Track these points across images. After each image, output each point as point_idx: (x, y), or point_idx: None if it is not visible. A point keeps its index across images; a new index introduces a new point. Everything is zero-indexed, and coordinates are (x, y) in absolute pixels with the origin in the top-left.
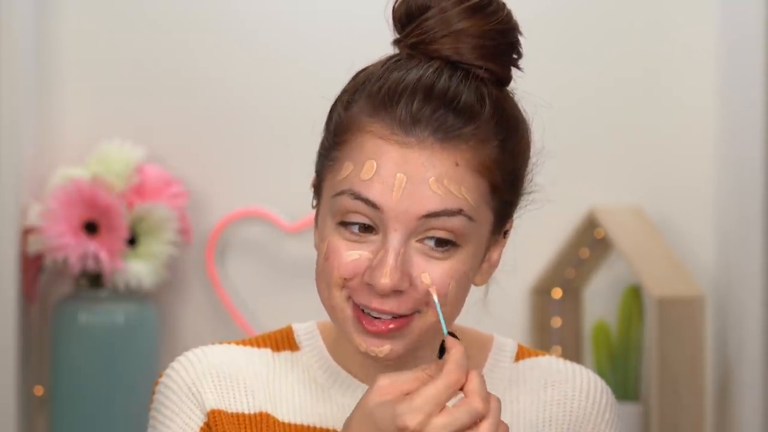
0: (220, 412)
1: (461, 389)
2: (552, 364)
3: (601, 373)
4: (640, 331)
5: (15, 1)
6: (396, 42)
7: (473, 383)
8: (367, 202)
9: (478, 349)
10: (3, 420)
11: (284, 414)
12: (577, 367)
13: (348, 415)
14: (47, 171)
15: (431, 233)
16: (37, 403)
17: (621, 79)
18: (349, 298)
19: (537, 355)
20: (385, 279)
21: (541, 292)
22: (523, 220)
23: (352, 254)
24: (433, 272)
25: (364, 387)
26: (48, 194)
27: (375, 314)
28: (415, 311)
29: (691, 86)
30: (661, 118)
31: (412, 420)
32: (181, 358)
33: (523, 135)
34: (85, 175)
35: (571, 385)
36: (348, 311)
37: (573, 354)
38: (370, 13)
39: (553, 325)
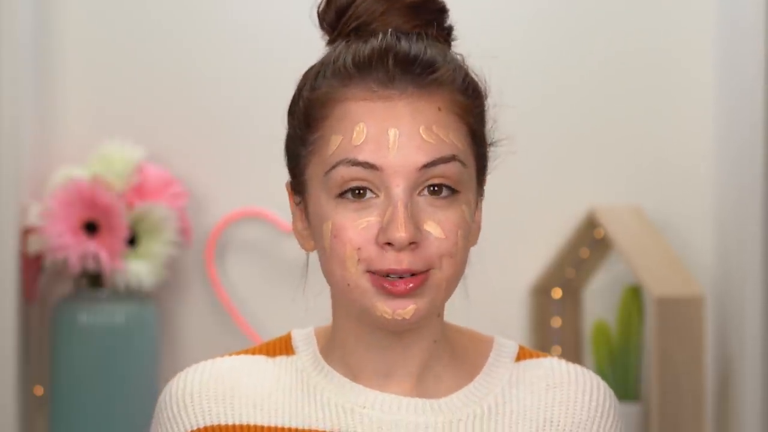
0: (203, 429)
1: None
2: (554, 365)
3: (601, 373)
4: (640, 331)
5: (15, 1)
6: (333, 40)
7: None
8: (365, 165)
9: (477, 349)
10: (3, 420)
11: (278, 419)
12: (579, 369)
13: (342, 416)
14: (47, 171)
15: (430, 182)
16: (37, 403)
17: (620, 79)
18: (365, 271)
19: (539, 356)
20: (401, 232)
21: (541, 292)
22: (523, 220)
23: (360, 223)
24: (441, 220)
25: (358, 387)
26: (48, 194)
27: (394, 276)
28: (430, 268)
29: (691, 86)
30: (661, 118)
31: None
32: (179, 374)
33: (477, 83)
34: (85, 175)
35: (574, 387)
36: (367, 284)
37: (573, 354)
38: None
39: (553, 325)
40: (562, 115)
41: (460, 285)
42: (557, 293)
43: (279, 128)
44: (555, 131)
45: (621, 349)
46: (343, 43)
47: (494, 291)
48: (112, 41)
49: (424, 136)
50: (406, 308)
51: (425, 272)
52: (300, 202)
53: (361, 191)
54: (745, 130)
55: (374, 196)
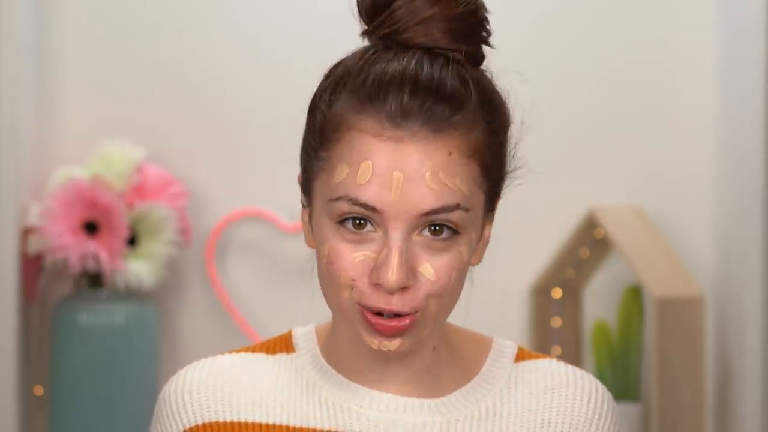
0: (201, 426)
1: None
2: (553, 367)
3: (601, 373)
4: (640, 331)
5: (15, 1)
6: (366, 33)
7: None
8: (365, 206)
9: (476, 350)
10: (3, 420)
11: (276, 417)
12: (578, 371)
13: (339, 415)
14: (47, 171)
15: (431, 222)
16: (37, 403)
17: (620, 79)
18: (356, 302)
19: (537, 357)
20: (393, 277)
21: (541, 292)
22: (523, 220)
23: (357, 256)
24: (437, 264)
25: (356, 386)
26: (48, 194)
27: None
28: (417, 311)
29: (691, 85)
30: (661, 118)
31: None
32: (179, 371)
33: (504, 111)
34: (85, 175)
35: (572, 389)
36: (356, 314)
37: (573, 354)
38: None
39: (553, 325)
40: (562, 115)
41: (466, 288)
42: (557, 293)
43: (279, 128)
44: (555, 131)
45: (621, 350)
46: (371, 52)
47: (494, 291)
48: (112, 41)
49: (429, 183)
50: (392, 341)
51: (412, 314)
52: (306, 205)
53: (362, 222)
54: (745, 130)
55: (373, 230)
